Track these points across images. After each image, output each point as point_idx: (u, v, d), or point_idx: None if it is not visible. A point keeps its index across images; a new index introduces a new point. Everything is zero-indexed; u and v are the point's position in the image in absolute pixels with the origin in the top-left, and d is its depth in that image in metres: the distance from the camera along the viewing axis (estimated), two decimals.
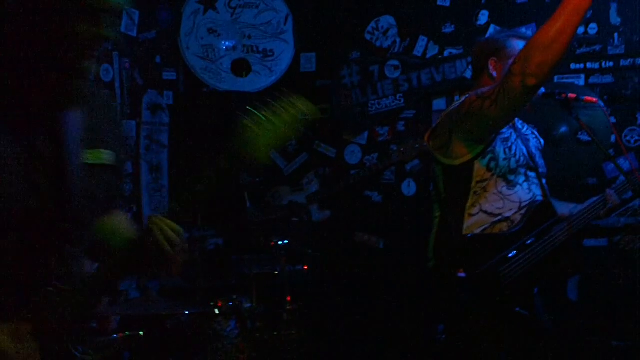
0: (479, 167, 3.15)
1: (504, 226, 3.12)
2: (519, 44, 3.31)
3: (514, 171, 3.15)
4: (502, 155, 3.13)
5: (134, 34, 5.20)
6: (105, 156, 1.93)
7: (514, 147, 3.17)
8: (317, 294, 5.03)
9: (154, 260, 1.87)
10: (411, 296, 5.09)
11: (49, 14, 1.67)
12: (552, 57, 2.78)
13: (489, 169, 3.14)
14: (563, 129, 4.57)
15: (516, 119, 3.42)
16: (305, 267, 4.85)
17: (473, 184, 3.14)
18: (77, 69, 1.74)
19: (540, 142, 3.51)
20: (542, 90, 3.29)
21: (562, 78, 4.77)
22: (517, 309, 3.07)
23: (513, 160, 3.14)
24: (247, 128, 1.87)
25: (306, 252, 4.83)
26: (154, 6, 5.38)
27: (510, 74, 2.85)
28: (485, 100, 2.97)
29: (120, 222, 2.10)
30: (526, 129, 3.49)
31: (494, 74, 3.30)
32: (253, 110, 1.88)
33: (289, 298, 4.41)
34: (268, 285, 4.52)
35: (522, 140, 3.30)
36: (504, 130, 3.16)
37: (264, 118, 1.86)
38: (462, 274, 3.05)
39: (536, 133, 3.56)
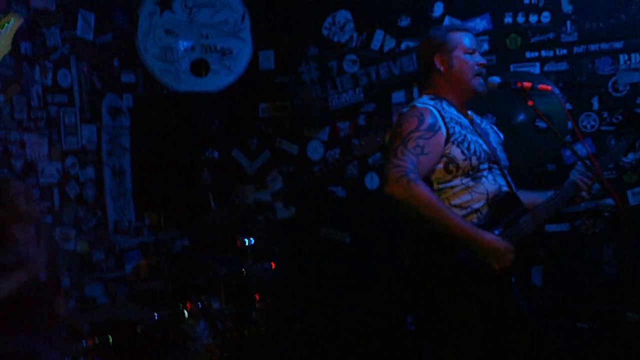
0: (437, 171, 3.21)
1: (473, 217, 3.17)
2: (458, 36, 3.39)
3: (476, 168, 3.20)
4: (460, 157, 3.18)
5: (90, 37, 5.16)
6: None
7: (472, 146, 3.22)
8: (285, 291, 5.05)
9: None
10: (379, 289, 5.13)
11: None
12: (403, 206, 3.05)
13: (448, 172, 3.19)
14: (521, 117, 4.65)
15: (474, 115, 3.48)
16: (273, 265, 4.86)
17: (435, 186, 3.19)
18: None
19: (499, 136, 3.57)
20: (498, 80, 3.36)
21: (518, 67, 4.83)
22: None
23: (474, 158, 3.19)
24: None
25: (273, 250, 4.85)
26: (109, 8, 5.33)
27: (384, 168, 3.12)
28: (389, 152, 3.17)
29: None
30: (485, 124, 3.54)
31: (442, 68, 3.38)
32: None
33: (257, 296, 4.43)
34: (236, 285, 4.53)
35: (481, 136, 3.35)
36: (454, 132, 3.21)
37: None
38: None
39: (495, 128, 3.61)
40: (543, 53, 4.81)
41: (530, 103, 3.23)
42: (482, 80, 3.37)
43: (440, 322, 3.19)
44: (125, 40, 5.38)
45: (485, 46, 4.85)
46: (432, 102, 3.30)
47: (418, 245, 3.22)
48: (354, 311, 5.15)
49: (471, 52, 3.37)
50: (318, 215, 5.47)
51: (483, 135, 3.37)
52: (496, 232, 3.13)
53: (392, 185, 3.03)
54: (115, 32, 5.36)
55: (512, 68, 4.84)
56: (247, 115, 5.63)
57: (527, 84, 3.29)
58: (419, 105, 3.28)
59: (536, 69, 4.83)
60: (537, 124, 4.66)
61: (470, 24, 4.86)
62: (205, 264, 4.85)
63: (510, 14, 4.82)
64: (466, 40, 3.39)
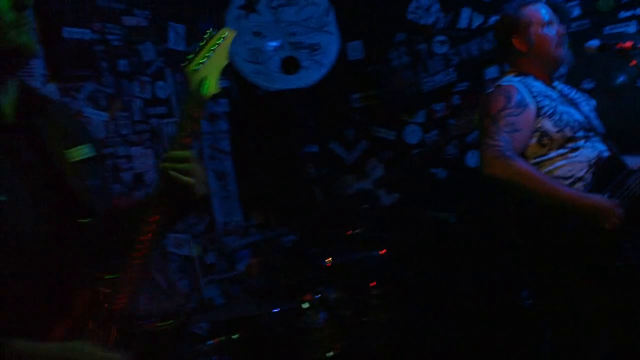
0: (531, 146, 3.19)
1: (578, 185, 3.14)
2: (531, 10, 3.34)
3: (571, 138, 3.17)
4: (553, 130, 3.16)
5: (182, 48, 5.30)
6: (86, 150, 2.00)
7: (564, 117, 3.19)
8: (398, 276, 5.07)
9: (180, 197, 1.94)
10: (489, 266, 5.11)
11: None
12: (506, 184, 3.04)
13: (542, 145, 3.17)
14: (621, 79, 4.56)
15: (562, 85, 3.45)
16: (383, 251, 4.89)
17: (530, 161, 3.17)
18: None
19: (591, 103, 3.52)
20: (597, 43, 3.31)
21: (612, 28, 4.72)
22: None
23: (567, 128, 3.17)
24: (195, 72, 2.04)
25: (381, 237, 4.88)
26: (197, 18, 5.47)
27: (480, 150, 3.11)
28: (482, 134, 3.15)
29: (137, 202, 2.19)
30: (574, 93, 3.49)
31: (522, 49, 3.35)
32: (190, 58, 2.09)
33: (373, 283, 4.47)
34: (350, 274, 4.58)
35: (573, 105, 3.31)
36: (544, 106, 3.19)
37: (204, 58, 2.06)
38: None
39: (586, 95, 3.56)
40: (638, 11, 4.69)
41: (633, 62, 3.18)
42: (565, 50, 3.34)
43: (560, 294, 3.17)
44: None
45: (577, 11, 4.75)
46: (517, 79, 3.29)
47: (525, 221, 3.21)
48: (466, 290, 5.15)
49: (548, 24, 3.33)
50: (421, 198, 5.47)
51: (574, 104, 3.33)
52: (604, 196, 3.10)
53: (491, 166, 3.03)
54: (205, 41, 5.47)
55: (606, 30, 4.72)
56: (341, 107, 5.67)
57: (628, 44, 3.24)
58: (504, 83, 3.28)
59: (631, 28, 4.71)
60: (638, 84, 4.56)
61: None
62: (315, 256, 4.93)
63: None
64: (541, 12, 3.35)
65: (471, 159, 5.28)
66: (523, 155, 3.15)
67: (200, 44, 2.11)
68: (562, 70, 4.73)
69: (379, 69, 5.49)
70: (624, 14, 4.73)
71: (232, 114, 5.58)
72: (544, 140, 3.16)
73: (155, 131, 5.03)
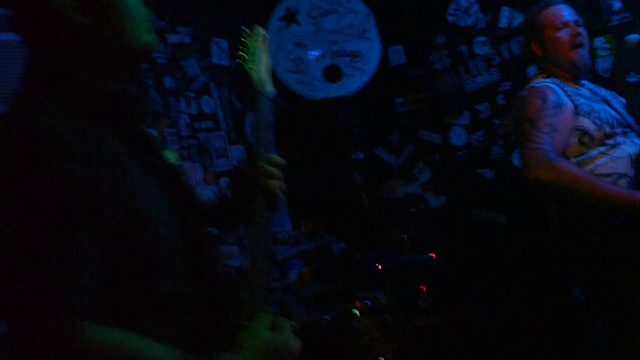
0: (571, 146, 3.17)
1: (621, 182, 3.12)
2: (544, 14, 3.33)
3: (610, 135, 3.15)
4: (592, 127, 3.13)
5: (226, 62, 5.38)
6: (172, 155, 2.03)
7: (602, 114, 3.17)
8: (448, 279, 5.07)
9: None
10: (540, 265, 5.07)
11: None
12: (552, 186, 3.02)
13: (583, 144, 3.14)
14: None
15: (591, 85, 3.42)
16: (433, 255, 4.90)
17: (572, 160, 3.15)
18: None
19: (622, 101, 3.49)
20: (638, 37, 3.28)
21: None
22: None
23: (606, 125, 3.14)
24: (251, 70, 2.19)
25: (430, 240, 4.88)
26: (239, 32, 5.53)
27: (522, 154, 3.11)
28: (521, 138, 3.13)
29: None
30: (603, 91, 3.47)
31: (540, 54, 3.35)
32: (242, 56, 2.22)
33: (423, 287, 4.48)
34: (399, 278, 4.59)
35: (607, 103, 3.29)
36: (580, 104, 3.17)
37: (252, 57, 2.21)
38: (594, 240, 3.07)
39: (615, 94, 3.53)
40: None
41: None
42: (582, 53, 3.32)
43: (613, 290, 3.14)
44: None
45: (618, 4, 4.70)
46: (549, 80, 3.28)
47: (570, 221, 3.19)
48: (517, 290, 5.11)
49: (562, 27, 3.31)
50: (470, 199, 5.46)
51: (606, 101, 3.31)
52: None
53: (535, 169, 3.01)
54: None
55: None
56: (385, 112, 5.69)
57: None
58: (537, 85, 3.27)
59: None
60: None
61: None
62: (365, 261, 4.95)
63: None
64: (554, 15, 3.34)
65: (517, 158, 5.24)
66: (564, 154, 3.13)
67: (247, 42, 2.24)
68: (606, 64, 4.71)
69: (421, 73, 5.50)
70: None
71: (276, 124, 5.63)
72: (584, 138, 3.14)
73: (202, 145, 5.11)
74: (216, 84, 5.30)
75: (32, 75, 1.68)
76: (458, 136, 5.46)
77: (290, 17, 5.56)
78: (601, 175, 3.12)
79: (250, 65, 2.11)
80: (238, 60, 2.14)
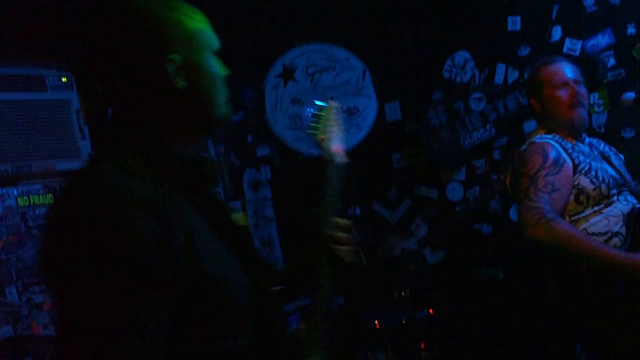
0: (568, 204, 3.16)
1: (615, 241, 3.10)
2: (545, 72, 3.36)
3: (606, 195, 3.14)
4: (590, 187, 3.12)
5: None
6: (242, 217, 2.06)
7: (600, 174, 3.16)
8: (447, 335, 5.04)
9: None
10: (540, 321, 5.04)
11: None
12: (549, 247, 3.00)
13: (579, 203, 3.14)
14: None
15: (591, 140, 3.44)
16: (431, 311, 4.88)
17: (567, 219, 3.14)
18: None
19: (620, 157, 3.50)
20: (633, 95, 3.31)
21: None
22: None
23: (603, 185, 3.13)
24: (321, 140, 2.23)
25: (429, 296, 4.87)
26: (237, 89, 5.59)
27: (519, 212, 3.08)
28: (520, 195, 3.13)
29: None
30: (603, 146, 3.48)
31: (538, 109, 3.38)
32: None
33: (422, 344, 4.45)
34: (399, 336, 4.56)
35: (606, 160, 3.30)
36: (580, 162, 3.17)
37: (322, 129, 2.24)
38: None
39: (614, 149, 3.54)
40: None
41: None
42: (581, 112, 3.32)
43: (613, 351, 3.11)
44: (255, 116, 5.61)
45: (612, 61, 4.75)
46: (549, 136, 3.28)
47: (565, 282, 3.17)
48: (517, 347, 5.08)
49: (562, 85, 3.33)
50: (467, 255, 5.45)
51: (605, 158, 3.32)
52: None
53: (533, 229, 2.97)
54: (245, 110, 5.59)
55: None
56: (382, 167, 5.71)
57: None
58: (537, 140, 3.26)
59: None
60: None
61: (592, 42, 4.80)
62: (364, 318, 4.92)
63: (632, 24, 4.69)
64: (555, 73, 3.35)
65: (515, 213, 5.25)
66: (561, 213, 3.12)
67: (320, 114, 2.26)
68: (601, 120, 4.74)
69: (418, 129, 5.53)
70: None
71: (274, 181, 5.65)
72: (581, 197, 3.13)
73: None
74: (214, 142, 5.31)
75: (115, 135, 1.71)
76: (454, 191, 5.47)
77: (288, 74, 5.61)
78: (594, 233, 3.10)
79: (321, 136, 2.14)
80: (310, 131, 2.17)
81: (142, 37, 1.66)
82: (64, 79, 4.60)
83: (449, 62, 5.42)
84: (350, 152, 5.50)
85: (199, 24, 1.77)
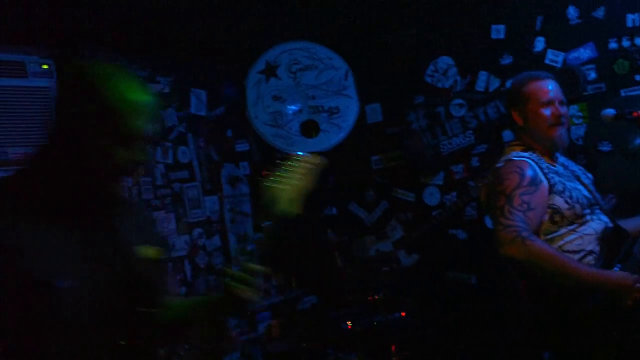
0: (543, 223, 3.18)
1: (589, 259, 3.14)
2: (532, 88, 3.37)
3: (580, 215, 3.18)
4: (564, 207, 3.15)
5: (203, 113, 5.40)
6: (152, 251, 2.10)
7: (574, 194, 3.19)
8: (419, 339, 5.06)
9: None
10: (511, 328, 5.08)
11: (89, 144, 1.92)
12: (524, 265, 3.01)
13: (553, 222, 3.16)
14: (638, 142, 4.57)
15: (563, 159, 3.46)
16: (403, 314, 4.89)
17: (542, 237, 3.16)
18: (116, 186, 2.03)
19: (589, 177, 3.53)
20: (613, 112, 3.34)
21: (629, 91, 4.73)
22: None
23: (577, 205, 3.16)
24: (270, 188, 2.16)
25: (401, 299, 4.88)
26: (218, 83, 5.57)
27: (495, 229, 3.09)
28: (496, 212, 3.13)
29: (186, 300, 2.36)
30: (573, 166, 3.50)
31: (519, 123, 3.39)
32: (270, 173, 2.19)
33: (393, 347, 4.46)
34: (371, 338, 4.57)
35: (578, 180, 3.33)
36: (555, 182, 3.19)
37: (280, 177, 2.17)
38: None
39: (583, 169, 3.57)
40: None
41: None
42: (561, 131, 3.34)
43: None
44: (236, 111, 5.59)
45: (593, 74, 4.80)
46: (526, 154, 3.29)
47: (539, 296, 3.20)
48: (488, 351, 5.11)
49: (547, 104, 3.34)
50: (442, 259, 5.48)
51: (576, 177, 3.35)
52: (616, 268, 3.09)
53: (508, 247, 2.99)
54: (226, 105, 5.58)
55: (622, 93, 4.73)
56: (360, 168, 5.73)
57: None
58: (515, 158, 3.26)
59: None
60: None
61: (574, 54, 4.84)
62: (336, 319, 4.93)
63: (614, 39, 4.74)
64: (541, 91, 3.36)
65: (490, 221, 5.28)
66: (535, 232, 3.14)
67: (286, 162, 2.21)
68: (579, 132, 4.78)
69: (399, 131, 5.54)
70: (639, 77, 4.76)
71: (252, 177, 5.64)
72: (556, 217, 3.15)
73: (177, 195, 5.10)
74: (193, 135, 5.30)
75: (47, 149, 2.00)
76: (432, 196, 5.50)
77: (270, 71, 5.59)
78: (569, 251, 3.13)
79: (271, 185, 2.11)
80: (272, 179, 2.14)
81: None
82: (44, 66, 4.55)
83: (431, 66, 5.44)
84: (330, 152, 5.55)
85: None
